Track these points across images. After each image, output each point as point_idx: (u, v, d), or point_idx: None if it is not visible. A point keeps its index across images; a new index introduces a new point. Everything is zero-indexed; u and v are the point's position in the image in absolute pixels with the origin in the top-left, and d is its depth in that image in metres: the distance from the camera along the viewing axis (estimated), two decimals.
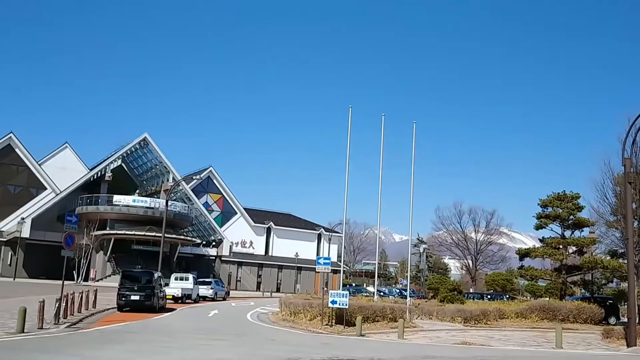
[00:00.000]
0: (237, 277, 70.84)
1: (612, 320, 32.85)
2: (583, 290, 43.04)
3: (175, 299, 33.53)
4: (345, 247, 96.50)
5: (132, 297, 24.93)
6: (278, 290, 66.40)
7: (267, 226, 74.88)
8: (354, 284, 62.59)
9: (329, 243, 67.44)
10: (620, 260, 31.13)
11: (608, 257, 34.49)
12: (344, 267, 79.82)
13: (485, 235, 63.64)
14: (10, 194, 61.16)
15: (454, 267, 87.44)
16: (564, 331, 22.20)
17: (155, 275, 26.78)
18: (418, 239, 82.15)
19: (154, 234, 52.84)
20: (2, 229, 59.11)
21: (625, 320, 23.16)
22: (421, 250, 65.83)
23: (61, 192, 60.23)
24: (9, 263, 56.70)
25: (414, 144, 31.58)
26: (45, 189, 62.06)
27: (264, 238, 74.73)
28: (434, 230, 73.58)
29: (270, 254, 74.51)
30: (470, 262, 62.16)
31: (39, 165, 63.44)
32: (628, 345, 19.24)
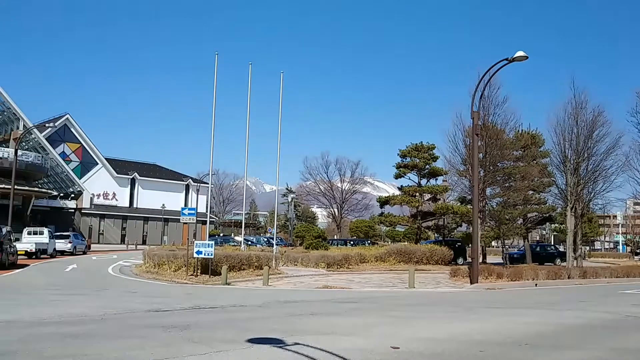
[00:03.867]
0: (99, 230, 67.82)
1: (460, 260, 36.01)
2: (436, 235, 46.49)
3: (29, 255, 31.48)
4: (214, 198, 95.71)
5: None
6: (144, 242, 64.61)
7: (131, 177, 71.94)
8: (221, 234, 62.51)
9: (197, 194, 66.46)
10: (468, 206, 33.90)
11: (458, 204, 37.41)
12: (213, 218, 79.32)
13: (350, 185, 65.99)
14: None
15: (321, 215, 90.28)
16: (418, 272, 23.98)
17: (4, 229, 24.89)
18: (287, 189, 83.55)
19: (2, 186, 48.68)
20: None
21: (470, 260, 25.48)
22: (289, 200, 66.97)
23: None
24: None
25: (281, 93, 31.85)
26: None
27: (128, 189, 71.82)
28: (303, 180, 75.01)
29: (135, 205, 71.93)
30: (336, 210, 64.37)
31: None
32: (471, 282, 21.23)
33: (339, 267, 28.00)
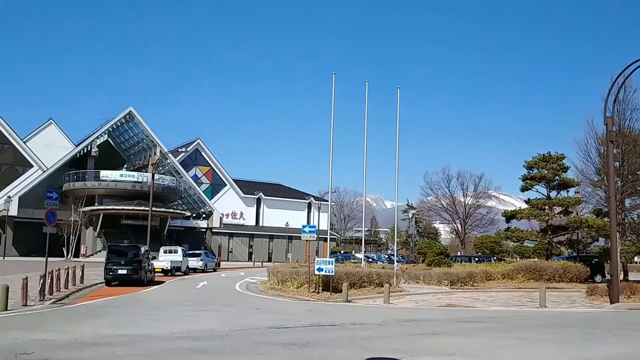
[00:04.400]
0: (228, 248, 71.19)
1: (598, 278, 33.30)
2: (569, 250, 43.50)
3: (165, 272, 33.63)
4: (335, 215, 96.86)
5: (120, 272, 24.97)
6: (270, 260, 66.80)
7: (257, 197, 74.99)
8: (342, 251, 63.03)
9: (319, 211, 67.65)
10: (605, 219, 31.34)
11: (593, 217, 34.76)
12: (334, 235, 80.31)
13: (473, 199, 63.90)
14: None
15: (444, 231, 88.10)
16: (550, 290, 22.51)
17: (142, 249, 26.79)
18: (407, 205, 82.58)
19: (142, 208, 52.73)
20: None
21: (610, 277, 23.46)
22: (410, 216, 66.14)
23: (47, 169, 59.75)
24: None
25: (399, 109, 31.70)
26: (32, 166, 61.45)
27: (254, 209, 74.90)
28: (423, 195, 73.82)
29: (260, 224, 74.76)
30: (459, 225, 62.54)
31: (24, 142, 62.69)
32: (611, 302, 19.50)
33: (462, 284, 27.04)
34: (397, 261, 32.44)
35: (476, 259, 41.36)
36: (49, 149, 63.70)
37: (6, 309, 14.42)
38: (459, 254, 53.60)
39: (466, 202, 63.19)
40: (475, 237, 62.82)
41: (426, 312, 16.73)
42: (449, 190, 63.71)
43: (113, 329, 11.62)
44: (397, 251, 35.85)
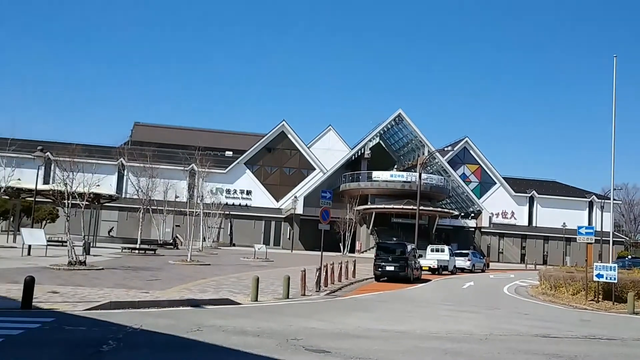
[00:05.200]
0: (498, 249, 68.90)
1: None
2: None
3: (432, 270, 33.96)
4: (623, 215, 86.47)
5: (387, 268, 25.97)
6: (544, 262, 62.65)
7: (529, 195, 71.18)
8: (630, 256, 55.68)
9: (602, 211, 60.95)
10: None
11: None
12: (621, 238, 71.59)
13: None
14: (285, 176, 68.92)
15: None
16: None
17: (409, 247, 27.44)
18: None
19: (411, 207, 54.15)
20: (281, 207, 67.00)
21: None
22: None
23: (327, 171, 65.61)
24: (287, 237, 64.03)
25: None
26: (314, 169, 68.34)
27: (526, 208, 71.25)
28: None
29: (534, 224, 70.71)
30: None
31: (308, 148, 70.11)
32: None
33: None
34: None
35: None
36: (328, 153, 70.24)
37: (287, 297, 16.13)
38: None
39: None
40: None
41: None
42: None
43: (375, 323, 12.10)
44: None
